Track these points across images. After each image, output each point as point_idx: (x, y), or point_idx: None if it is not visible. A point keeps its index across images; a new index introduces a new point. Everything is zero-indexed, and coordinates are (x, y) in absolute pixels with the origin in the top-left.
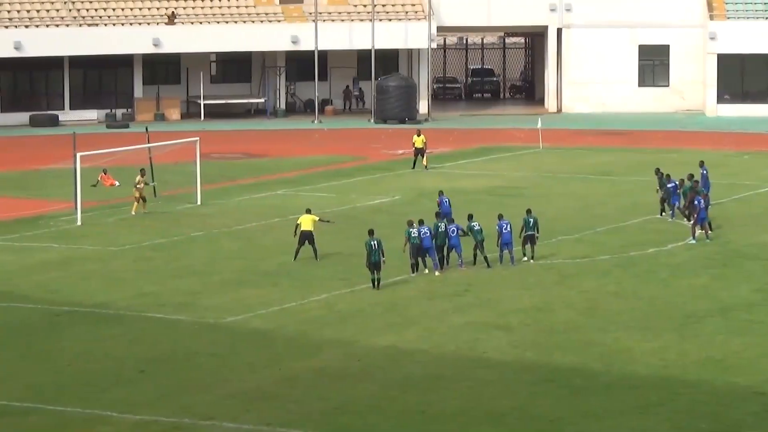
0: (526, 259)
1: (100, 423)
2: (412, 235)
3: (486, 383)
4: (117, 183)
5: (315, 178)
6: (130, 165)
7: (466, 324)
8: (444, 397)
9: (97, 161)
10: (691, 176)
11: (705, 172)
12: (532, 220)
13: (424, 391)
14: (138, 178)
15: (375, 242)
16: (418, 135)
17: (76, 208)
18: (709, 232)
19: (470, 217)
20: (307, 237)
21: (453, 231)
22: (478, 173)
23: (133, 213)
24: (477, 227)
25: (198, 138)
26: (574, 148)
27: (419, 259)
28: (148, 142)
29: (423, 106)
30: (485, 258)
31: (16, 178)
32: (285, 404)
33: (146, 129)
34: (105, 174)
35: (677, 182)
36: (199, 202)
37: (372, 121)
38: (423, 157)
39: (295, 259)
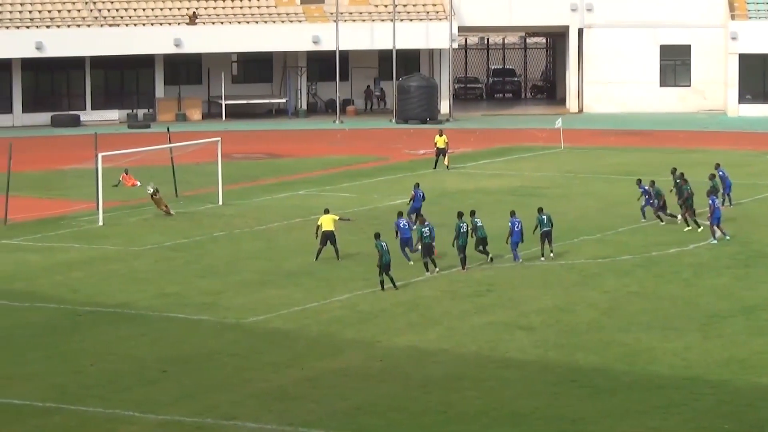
0: (543, 259)
1: (122, 423)
2: (424, 234)
3: (508, 383)
4: (138, 183)
5: (336, 178)
6: (151, 165)
7: (488, 324)
8: (466, 397)
9: (118, 161)
10: (712, 176)
11: (722, 173)
12: (545, 217)
13: (445, 391)
14: (150, 190)
15: (384, 243)
16: (440, 135)
17: (97, 208)
18: (725, 231)
19: (473, 213)
20: (328, 237)
21: (404, 225)
22: (500, 173)
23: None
24: (479, 224)
25: (219, 138)
26: (596, 148)
27: (429, 259)
28: (170, 143)
29: (444, 106)
30: (487, 253)
31: (38, 179)
32: (307, 404)
33: (168, 129)
34: (126, 174)
35: (647, 187)
36: (220, 203)
37: (393, 121)
38: (445, 157)
39: (316, 259)
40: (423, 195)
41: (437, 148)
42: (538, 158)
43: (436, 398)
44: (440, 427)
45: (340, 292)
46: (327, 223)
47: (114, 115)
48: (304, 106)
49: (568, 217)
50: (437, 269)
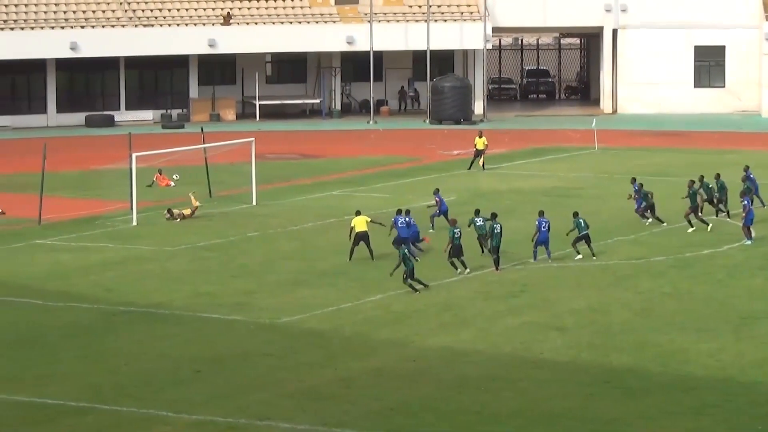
0: (580, 257)
1: (156, 423)
2: (456, 236)
3: (541, 384)
4: (172, 183)
5: (370, 179)
6: (185, 165)
7: (522, 324)
8: (499, 398)
9: (152, 162)
10: (745, 176)
11: (752, 175)
12: (582, 221)
13: (479, 392)
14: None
15: (407, 250)
16: (480, 136)
17: (131, 208)
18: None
19: (494, 216)
20: (362, 238)
21: (402, 223)
22: (534, 174)
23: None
24: (498, 229)
25: (253, 138)
26: (630, 148)
27: (456, 260)
28: (204, 143)
29: (478, 107)
30: (496, 260)
31: (72, 178)
32: (340, 404)
33: (201, 129)
34: (160, 174)
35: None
36: (254, 203)
37: (427, 121)
38: (481, 157)
39: (349, 259)
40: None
41: (476, 149)
42: (572, 159)
43: (470, 399)
44: (474, 428)
45: (374, 292)
46: (360, 224)
47: (148, 115)
48: (338, 107)
49: (602, 218)
50: (467, 270)
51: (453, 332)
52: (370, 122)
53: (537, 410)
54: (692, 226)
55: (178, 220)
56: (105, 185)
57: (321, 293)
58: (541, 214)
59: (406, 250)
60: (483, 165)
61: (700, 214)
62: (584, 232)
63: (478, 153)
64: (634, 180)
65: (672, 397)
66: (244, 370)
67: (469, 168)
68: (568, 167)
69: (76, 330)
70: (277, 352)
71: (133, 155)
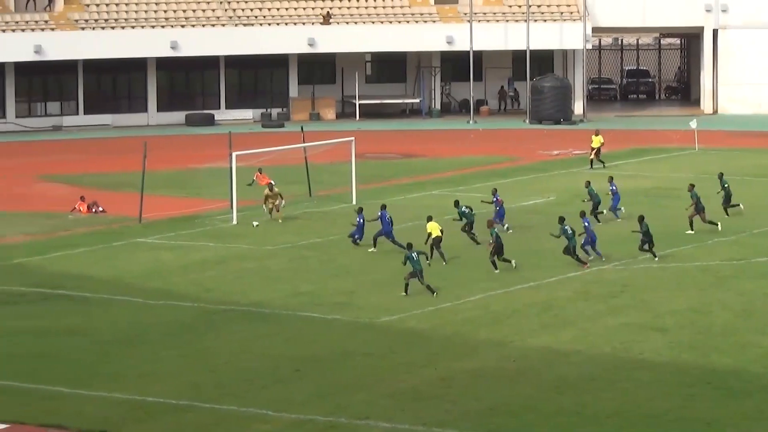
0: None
1: (256, 421)
2: (496, 236)
3: (642, 385)
4: (272, 182)
5: (469, 179)
6: (285, 164)
7: (622, 325)
8: (600, 399)
9: (252, 160)
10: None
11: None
12: (646, 224)
13: (579, 392)
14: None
15: (416, 254)
16: (596, 135)
17: (231, 207)
18: None
19: (561, 220)
20: (438, 242)
21: (389, 218)
22: (634, 174)
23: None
24: (569, 231)
25: (353, 138)
26: (731, 149)
27: (496, 260)
28: (303, 142)
29: (578, 107)
30: (578, 258)
31: (172, 177)
32: (440, 404)
33: (301, 128)
34: (260, 173)
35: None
36: (354, 202)
37: (526, 121)
38: (598, 155)
39: (431, 254)
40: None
41: (592, 147)
42: (672, 159)
43: (570, 399)
44: (574, 428)
45: (473, 292)
46: (435, 229)
47: (248, 114)
48: (438, 106)
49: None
50: (514, 263)
51: (553, 332)
52: (470, 122)
53: (637, 411)
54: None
55: (279, 208)
56: (205, 184)
57: (420, 293)
58: (583, 215)
59: (414, 253)
60: (592, 163)
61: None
62: (648, 237)
63: (596, 151)
64: (611, 179)
65: None
66: (344, 369)
67: (591, 167)
68: (667, 168)
69: (177, 328)
70: (377, 351)
71: (233, 154)
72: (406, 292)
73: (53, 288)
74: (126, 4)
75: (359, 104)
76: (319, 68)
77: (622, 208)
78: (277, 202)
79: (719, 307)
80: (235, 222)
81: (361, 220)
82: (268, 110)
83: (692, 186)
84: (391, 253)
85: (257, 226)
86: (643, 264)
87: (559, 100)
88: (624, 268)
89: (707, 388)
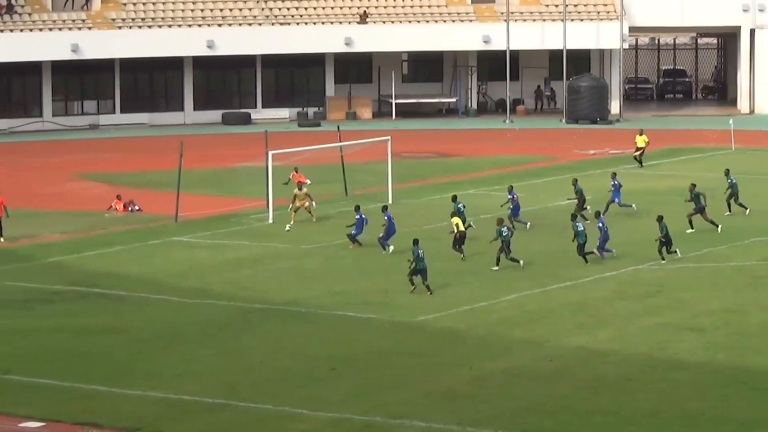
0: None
1: (292, 420)
2: (503, 234)
3: (678, 385)
4: (308, 181)
5: (506, 178)
6: (321, 163)
7: (658, 325)
8: (636, 399)
9: (288, 159)
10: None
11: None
12: (664, 225)
13: (615, 392)
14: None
15: (421, 251)
16: (641, 134)
17: (267, 206)
18: None
19: (573, 217)
20: (464, 237)
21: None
22: (670, 174)
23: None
24: (580, 228)
25: (389, 137)
26: (767, 149)
27: (505, 256)
28: (340, 141)
29: (614, 107)
30: (584, 256)
31: (209, 176)
32: (475, 404)
33: (338, 128)
34: (296, 172)
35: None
36: (390, 201)
37: (563, 121)
38: (642, 153)
39: (462, 256)
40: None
41: (637, 146)
42: (709, 159)
43: (606, 399)
44: (610, 428)
45: (509, 291)
46: (461, 223)
47: (284, 113)
48: (475, 106)
49: (738, 219)
50: (521, 262)
51: (589, 332)
52: (506, 121)
53: (673, 411)
54: (692, 227)
55: (310, 210)
56: (241, 183)
57: (456, 292)
58: (598, 215)
59: (420, 250)
60: (641, 162)
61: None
62: (665, 237)
63: (641, 151)
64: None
65: None
66: (380, 368)
67: (641, 165)
68: (704, 167)
69: (213, 327)
70: (412, 351)
71: (269, 153)
72: (412, 283)
73: (89, 286)
74: (163, 3)
75: (396, 103)
76: (356, 67)
77: (633, 205)
78: (306, 204)
79: (755, 307)
80: (271, 221)
81: (360, 217)
82: (305, 109)
83: (694, 186)
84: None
85: (288, 230)
86: (678, 264)
87: (595, 99)
88: (659, 268)
89: (743, 389)
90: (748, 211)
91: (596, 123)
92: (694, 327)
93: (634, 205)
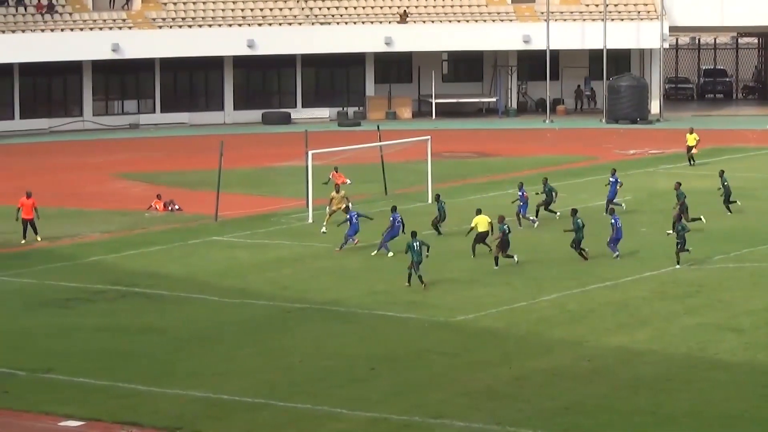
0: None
1: (331, 420)
2: (505, 232)
3: (718, 385)
4: (348, 181)
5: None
6: (361, 163)
7: (698, 325)
8: (675, 399)
9: (328, 159)
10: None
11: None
12: (681, 226)
13: (654, 392)
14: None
15: (417, 243)
16: (691, 133)
17: (307, 205)
18: None
19: (574, 212)
20: (483, 238)
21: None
22: (710, 174)
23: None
24: (580, 224)
25: (429, 137)
26: None
27: (500, 256)
28: (380, 141)
29: (655, 106)
30: (581, 252)
31: (249, 175)
32: (515, 403)
33: (377, 127)
34: (336, 172)
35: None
36: (429, 201)
37: (603, 120)
38: (692, 152)
39: (473, 255)
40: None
41: (688, 145)
42: (749, 159)
43: (645, 399)
44: (649, 428)
45: (549, 291)
46: (482, 223)
47: (324, 113)
48: (515, 106)
49: None
50: (516, 260)
51: (629, 332)
52: (546, 121)
53: (713, 411)
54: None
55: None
56: (281, 182)
57: (495, 292)
58: (612, 212)
59: (416, 243)
60: (690, 160)
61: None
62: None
63: (691, 148)
64: (521, 185)
65: None
66: (419, 368)
67: (691, 164)
68: (744, 167)
69: (252, 327)
70: (452, 350)
71: (309, 153)
72: (408, 282)
73: (129, 286)
74: (203, 3)
75: (435, 103)
76: (396, 67)
77: (623, 204)
78: (343, 206)
79: None
80: (311, 220)
81: (353, 218)
82: (345, 109)
83: (679, 184)
84: (465, 252)
85: (325, 233)
86: (719, 264)
87: (635, 99)
88: (699, 268)
89: None
90: (729, 213)
91: (636, 123)
92: (734, 327)
93: (623, 204)
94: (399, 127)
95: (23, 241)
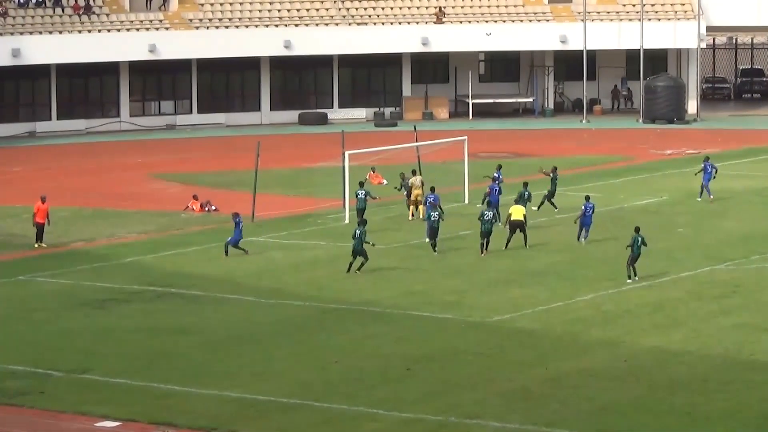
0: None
1: (366, 420)
2: (485, 219)
3: (754, 386)
4: (385, 181)
5: (583, 178)
6: (398, 164)
7: (734, 326)
8: (711, 399)
9: (365, 160)
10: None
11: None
12: (641, 238)
13: (690, 393)
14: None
15: (359, 230)
16: None
17: (344, 206)
18: None
19: (637, 230)
20: (518, 226)
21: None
22: (746, 174)
23: (411, 218)
24: (639, 242)
25: (466, 137)
26: None
27: (486, 241)
28: (416, 141)
29: (692, 106)
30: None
31: (285, 176)
32: (551, 404)
33: (414, 128)
34: (373, 172)
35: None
36: (466, 201)
37: (640, 121)
38: None
39: (505, 247)
40: (499, 189)
41: None
42: None
43: (681, 400)
44: (686, 429)
45: (585, 291)
46: (517, 212)
47: (361, 113)
48: (551, 106)
49: None
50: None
51: (665, 333)
52: (583, 121)
53: (749, 412)
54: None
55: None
56: (317, 183)
57: (532, 292)
58: (588, 198)
59: (357, 230)
60: None
61: None
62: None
63: None
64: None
65: None
66: (455, 368)
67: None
68: None
69: (288, 327)
70: (488, 350)
71: (346, 153)
72: (349, 269)
73: (166, 286)
74: (240, 4)
75: (472, 103)
76: (432, 67)
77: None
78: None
79: None
80: (347, 221)
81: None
82: (381, 109)
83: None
84: (501, 252)
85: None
86: (755, 264)
87: (672, 99)
88: (736, 268)
89: None
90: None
91: (673, 123)
92: None
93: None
94: (435, 128)
95: (36, 246)
